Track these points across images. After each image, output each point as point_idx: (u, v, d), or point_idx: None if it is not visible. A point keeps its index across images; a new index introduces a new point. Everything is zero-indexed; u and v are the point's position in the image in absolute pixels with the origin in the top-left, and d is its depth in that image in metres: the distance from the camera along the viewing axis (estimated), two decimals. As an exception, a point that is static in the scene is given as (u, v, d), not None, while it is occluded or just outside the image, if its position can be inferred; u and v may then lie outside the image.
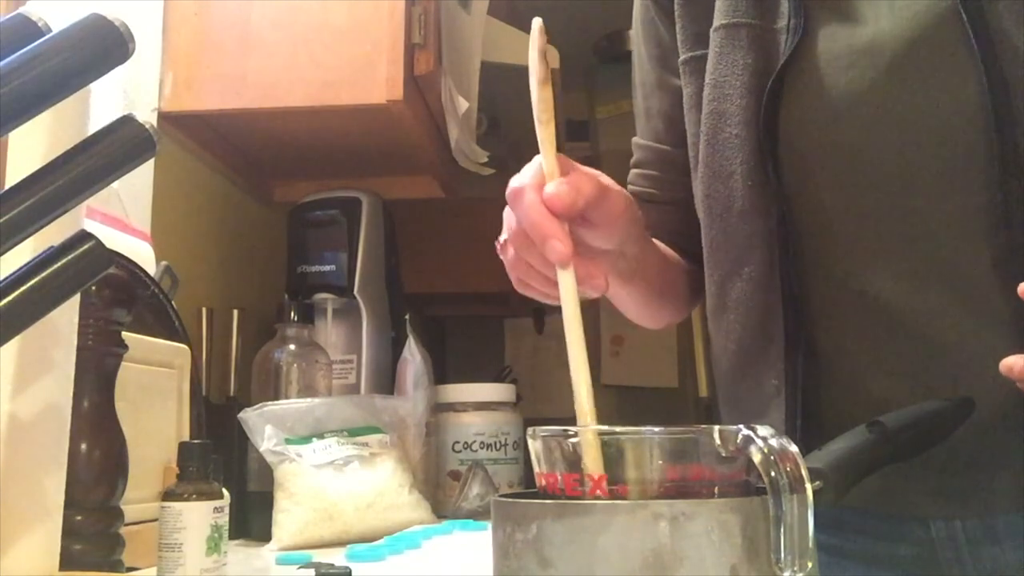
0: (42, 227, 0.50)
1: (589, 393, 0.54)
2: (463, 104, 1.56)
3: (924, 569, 0.74)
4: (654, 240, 0.83)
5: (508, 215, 0.64)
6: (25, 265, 0.51)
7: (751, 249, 0.76)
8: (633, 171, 0.93)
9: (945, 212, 0.70)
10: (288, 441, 1.22)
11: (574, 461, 0.48)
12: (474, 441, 1.56)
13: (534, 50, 0.61)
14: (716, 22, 0.78)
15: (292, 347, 1.39)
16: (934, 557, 0.74)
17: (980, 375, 0.67)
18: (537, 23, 0.61)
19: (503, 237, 0.66)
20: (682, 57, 0.83)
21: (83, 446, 0.71)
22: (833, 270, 0.76)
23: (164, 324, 1.07)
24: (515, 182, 0.61)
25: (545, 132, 0.60)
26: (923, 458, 0.67)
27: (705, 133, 0.78)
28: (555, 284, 0.59)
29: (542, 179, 0.60)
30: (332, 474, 1.21)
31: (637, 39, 0.92)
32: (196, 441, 0.86)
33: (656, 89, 0.89)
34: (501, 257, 0.68)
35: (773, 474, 0.44)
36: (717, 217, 0.79)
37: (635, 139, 0.93)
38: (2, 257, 0.49)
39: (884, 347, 0.74)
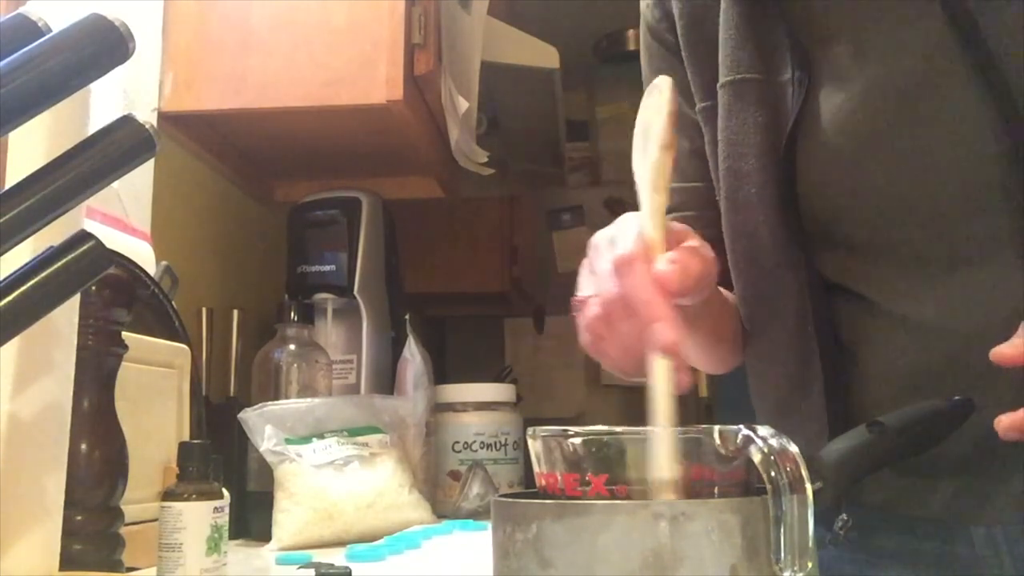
0: (42, 227, 0.50)
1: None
2: (463, 104, 1.55)
3: (957, 567, 0.74)
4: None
5: (603, 277, 0.59)
6: (25, 265, 0.51)
7: (783, 303, 0.76)
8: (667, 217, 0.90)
9: (976, 235, 0.70)
10: (288, 441, 1.22)
11: (574, 461, 0.48)
12: (474, 441, 1.56)
13: (661, 114, 0.57)
14: (721, 78, 0.77)
15: (292, 347, 1.39)
16: (973, 554, 0.73)
17: None
18: (667, 82, 0.57)
19: (586, 293, 0.61)
20: (698, 107, 0.82)
21: (83, 446, 0.71)
22: (872, 300, 0.75)
23: (164, 324, 1.07)
24: (620, 249, 0.57)
25: (657, 201, 0.57)
26: (952, 467, 0.67)
27: (724, 190, 0.78)
28: (633, 357, 0.56)
29: (648, 251, 0.56)
30: (332, 474, 1.21)
31: (649, 81, 0.90)
32: (196, 441, 0.86)
33: (680, 129, 0.87)
34: (576, 312, 0.63)
35: (773, 474, 0.44)
36: (743, 272, 0.79)
37: None
38: (2, 257, 0.49)
39: (925, 372, 0.73)
